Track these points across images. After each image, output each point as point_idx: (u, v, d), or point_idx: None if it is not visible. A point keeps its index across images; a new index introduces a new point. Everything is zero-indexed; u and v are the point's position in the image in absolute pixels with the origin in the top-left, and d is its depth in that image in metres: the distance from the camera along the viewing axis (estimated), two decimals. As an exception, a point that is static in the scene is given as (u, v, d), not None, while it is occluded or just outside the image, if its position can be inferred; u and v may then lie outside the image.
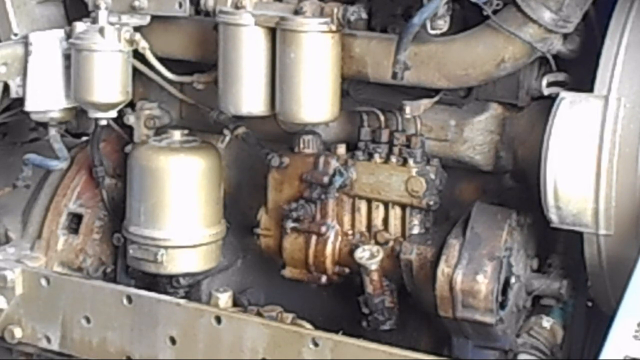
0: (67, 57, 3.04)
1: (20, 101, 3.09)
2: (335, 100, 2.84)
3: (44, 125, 3.20)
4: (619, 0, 2.66)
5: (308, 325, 2.81)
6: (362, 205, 2.96)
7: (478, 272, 2.70)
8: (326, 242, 2.96)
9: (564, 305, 2.91)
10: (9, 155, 3.49)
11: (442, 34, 2.75)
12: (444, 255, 2.76)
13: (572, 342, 2.93)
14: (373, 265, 2.85)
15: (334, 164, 2.93)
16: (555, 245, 2.90)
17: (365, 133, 2.94)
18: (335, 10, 2.76)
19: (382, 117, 2.93)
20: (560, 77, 2.80)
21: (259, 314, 2.80)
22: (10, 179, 3.25)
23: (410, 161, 2.86)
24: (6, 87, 3.07)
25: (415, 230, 2.91)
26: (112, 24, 2.97)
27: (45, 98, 3.07)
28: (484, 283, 2.70)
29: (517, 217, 2.81)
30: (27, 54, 3.05)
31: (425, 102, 2.84)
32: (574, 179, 2.59)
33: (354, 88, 2.98)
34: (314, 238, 2.97)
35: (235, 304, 2.88)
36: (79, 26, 2.99)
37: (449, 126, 2.90)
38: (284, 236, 3.00)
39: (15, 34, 3.14)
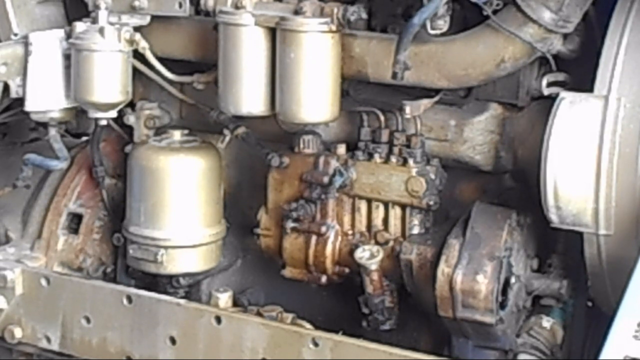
0: (67, 57, 3.04)
1: (20, 101, 3.09)
2: (335, 100, 2.84)
3: (44, 125, 3.20)
4: (619, 0, 2.66)
5: (308, 325, 2.81)
6: (362, 205, 2.96)
7: (478, 272, 2.70)
8: (326, 242, 2.96)
9: (564, 305, 2.91)
10: (9, 155, 3.50)
11: (442, 34, 2.75)
12: (444, 255, 2.76)
13: (572, 342, 2.93)
14: (373, 265, 2.85)
15: (334, 164, 2.93)
16: (555, 245, 2.89)
17: (365, 133, 2.94)
18: (335, 10, 2.76)
19: (382, 117, 2.92)
20: (560, 77, 2.80)
21: (259, 314, 2.80)
22: (10, 179, 3.25)
23: (410, 161, 2.86)
24: (6, 87, 3.07)
25: (415, 230, 2.92)
26: (112, 24, 2.97)
27: (45, 98, 3.07)
28: (484, 283, 2.70)
29: (517, 217, 2.81)
30: (27, 54, 3.05)
31: (425, 102, 2.84)
32: (574, 179, 2.59)
33: (354, 88, 2.98)
34: (314, 238, 2.97)
35: (235, 304, 2.88)
36: (79, 26, 2.99)
37: (449, 126, 2.90)
38: (284, 236, 3.00)
39: (15, 34, 3.14)
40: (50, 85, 3.07)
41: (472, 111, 2.90)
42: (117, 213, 3.26)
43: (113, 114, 3.06)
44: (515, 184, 2.91)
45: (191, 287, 3.21)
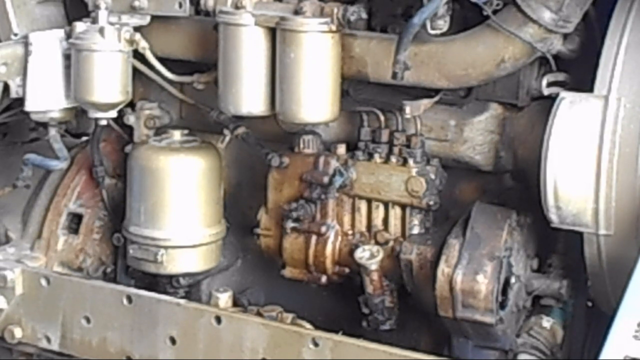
0: (67, 57, 3.04)
1: (20, 101, 3.09)
2: (335, 100, 2.84)
3: (44, 125, 3.20)
4: (619, 0, 2.66)
5: (308, 325, 2.81)
6: (362, 205, 2.96)
7: (478, 272, 2.70)
8: (326, 242, 2.96)
9: (564, 305, 2.91)
10: (9, 155, 3.49)
11: (442, 34, 2.75)
12: (444, 255, 2.76)
13: (572, 342, 2.93)
14: (373, 265, 2.85)
15: (334, 164, 2.93)
16: (555, 245, 2.90)
17: (365, 133, 2.94)
18: (335, 10, 2.76)
19: (382, 117, 2.93)
20: (560, 77, 2.80)
21: (259, 314, 2.80)
22: (10, 179, 3.25)
23: (410, 161, 2.86)
24: (6, 87, 3.07)
25: (415, 230, 2.92)
26: (112, 24, 2.97)
27: (45, 98, 3.07)
28: (484, 283, 2.70)
29: (517, 217, 2.81)
30: (27, 54, 3.05)
31: (425, 102, 2.84)
32: (574, 179, 2.59)
33: (354, 88, 2.98)
34: (314, 238, 2.97)
35: (235, 304, 2.88)
36: (79, 26, 2.99)
37: (449, 126, 2.90)
38: (284, 236, 3.00)
39: (15, 34, 3.14)
40: (50, 85, 3.07)
41: (472, 111, 2.90)
42: (117, 213, 3.26)
43: (113, 114, 3.06)
44: (515, 184, 2.91)
45: (191, 287, 3.21)
